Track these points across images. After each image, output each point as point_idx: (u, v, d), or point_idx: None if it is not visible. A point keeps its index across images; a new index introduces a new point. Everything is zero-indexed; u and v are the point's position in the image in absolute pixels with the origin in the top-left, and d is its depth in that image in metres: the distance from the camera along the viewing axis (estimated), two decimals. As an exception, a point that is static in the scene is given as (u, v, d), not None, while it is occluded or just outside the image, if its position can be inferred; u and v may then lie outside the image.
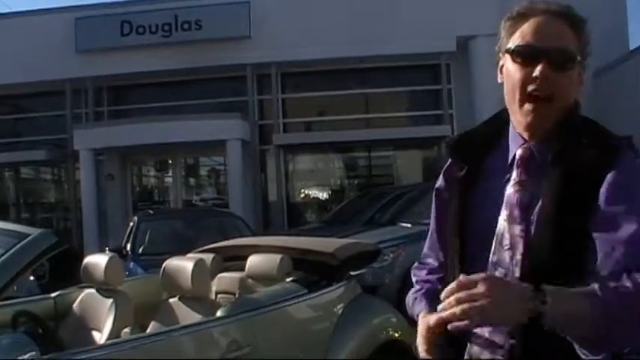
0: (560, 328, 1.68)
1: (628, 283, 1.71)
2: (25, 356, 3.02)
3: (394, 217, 11.88)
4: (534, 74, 1.92)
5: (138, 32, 18.78)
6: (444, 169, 2.26)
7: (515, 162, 2.03)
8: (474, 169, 2.10)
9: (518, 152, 2.03)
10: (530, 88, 1.94)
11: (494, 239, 1.99)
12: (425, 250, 2.35)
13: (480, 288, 1.64)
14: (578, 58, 1.95)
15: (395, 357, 5.16)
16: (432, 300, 2.10)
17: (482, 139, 2.14)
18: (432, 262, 2.31)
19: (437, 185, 2.27)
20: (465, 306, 1.63)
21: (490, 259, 1.99)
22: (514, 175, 2.02)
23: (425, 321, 1.99)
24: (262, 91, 19.70)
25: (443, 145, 17.86)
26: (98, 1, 20.58)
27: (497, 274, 1.94)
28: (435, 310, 1.87)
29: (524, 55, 1.95)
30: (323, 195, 21.03)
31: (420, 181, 18.40)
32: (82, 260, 5.07)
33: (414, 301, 2.25)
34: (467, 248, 2.05)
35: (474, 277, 1.68)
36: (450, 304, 1.66)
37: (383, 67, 19.12)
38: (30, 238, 3.49)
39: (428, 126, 19.05)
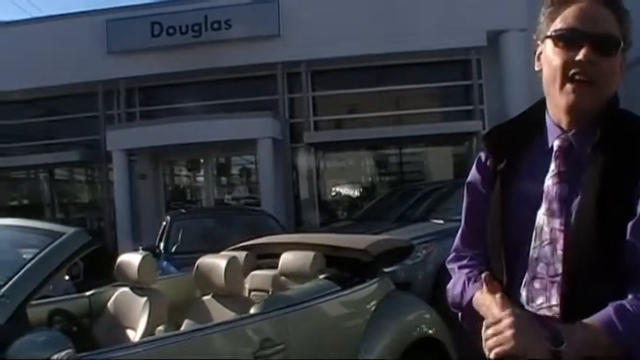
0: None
1: None
2: (62, 354, 3.04)
3: (426, 213, 11.86)
4: (577, 58, 1.88)
5: (168, 33, 18.87)
6: (475, 162, 2.23)
7: (554, 153, 2.00)
8: (512, 162, 2.07)
9: (556, 143, 2.00)
10: (572, 71, 1.90)
11: (534, 233, 1.97)
12: (457, 243, 2.32)
13: (503, 324, 1.79)
14: (622, 45, 1.91)
15: (429, 354, 5.13)
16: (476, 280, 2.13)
17: (519, 131, 2.10)
18: (467, 254, 2.27)
19: (469, 179, 2.24)
20: (492, 341, 1.79)
21: (531, 254, 1.96)
22: (552, 166, 1.98)
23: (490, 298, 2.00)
24: (292, 89, 19.69)
25: (474, 141, 17.94)
26: (128, 3, 20.72)
27: (539, 269, 1.94)
28: None
29: (568, 39, 1.91)
30: (354, 192, 21.00)
31: (451, 177, 18.31)
32: (115, 259, 5.12)
33: (464, 283, 2.19)
34: (508, 241, 2.03)
35: (499, 314, 1.82)
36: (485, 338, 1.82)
37: (413, 64, 19.01)
38: (64, 237, 3.52)
39: (459, 122, 18.93)
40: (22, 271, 3.34)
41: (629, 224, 1.80)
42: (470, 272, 2.20)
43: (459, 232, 2.32)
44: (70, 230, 3.59)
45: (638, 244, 1.78)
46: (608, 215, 1.81)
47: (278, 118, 18.81)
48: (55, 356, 3.02)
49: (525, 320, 1.79)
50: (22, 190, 24.31)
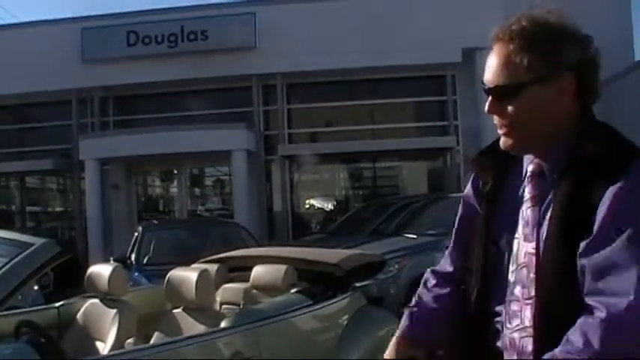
0: None
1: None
2: (27, 367, 3.00)
3: (399, 227, 11.86)
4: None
5: (144, 42, 18.83)
6: (471, 179, 2.26)
7: (527, 178, 2.03)
8: (497, 186, 2.10)
9: (530, 168, 2.03)
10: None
11: (512, 257, 2.00)
12: (447, 252, 2.35)
13: None
14: (528, 80, 1.91)
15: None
16: (415, 321, 2.26)
17: (504, 156, 2.09)
18: (447, 267, 2.32)
19: (464, 193, 2.28)
20: None
21: (509, 277, 2.00)
22: (527, 191, 2.01)
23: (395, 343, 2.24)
24: (268, 101, 19.69)
25: (448, 156, 18.03)
26: (104, 12, 20.61)
27: (516, 292, 1.97)
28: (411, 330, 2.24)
29: (484, 93, 2.01)
30: (328, 205, 21.00)
31: (426, 191, 18.38)
32: (86, 270, 5.07)
33: (404, 315, 2.30)
34: (488, 263, 2.06)
35: None
36: None
37: (389, 78, 19.11)
38: (33, 248, 3.47)
39: (433, 137, 19.01)
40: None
41: (582, 244, 1.80)
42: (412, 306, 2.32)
43: (451, 240, 2.34)
44: (39, 241, 3.54)
45: (584, 269, 1.79)
46: (573, 240, 1.82)
47: (253, 130, 18.81)
48: (20, 369, 2.98)
49: None
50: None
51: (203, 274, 4.63)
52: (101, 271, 4.92)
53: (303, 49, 17.72)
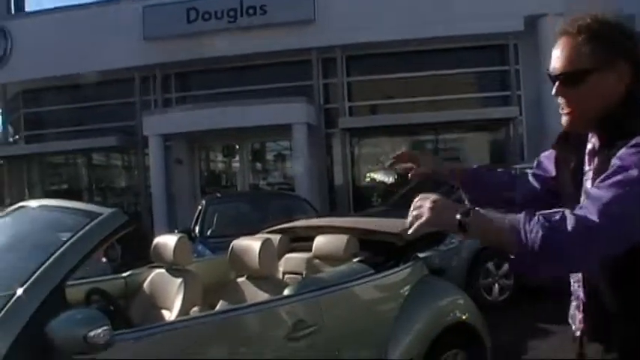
0: (479, 239, 2.11)
1: (568, 224, 1.93)
2: (98, 331, 3.09)
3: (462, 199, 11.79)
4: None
5: (204, 18, 18.97)
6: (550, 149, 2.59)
7: (587, 154, 2.31)
8: (579, 162, 2.34)
9: (589, 146, 2.31)
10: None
11: None
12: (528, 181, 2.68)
13: (428, 201, 2.10)
14: (592, 67, 2.18)
15: (462, 339, 5.10)
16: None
17: (577, 136, 2.36)
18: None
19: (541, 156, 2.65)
20: (415, 212, 2.12)
21: None
22: (586, 166, 2.30)
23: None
24: (327, 74, 19.66)
25: (511, 127, 17.80)
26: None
27: None
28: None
29: (550, 80, 2.29)
30: (389, 179, 20.86)
31: (487, 163, 18.19)
32: (152, 243, 5.17)
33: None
34: None
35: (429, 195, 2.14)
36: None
37: (449, 49, 18.87)
38: (101, 217, 3.57)
39: (495, 107, 18.80)
40: (60, 250, 3.39)
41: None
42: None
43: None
44: (107, 211, 3.64)
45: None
46: None
47: (313, 103, 18.82)
48: (92, 333, 3.07)
49: (444, 201, 2.11)
50: (61, 175, 24.64)
51: (266, 243, 4.69)
52: (166, 241, 5.01)
53: (362, 21, 17.63)
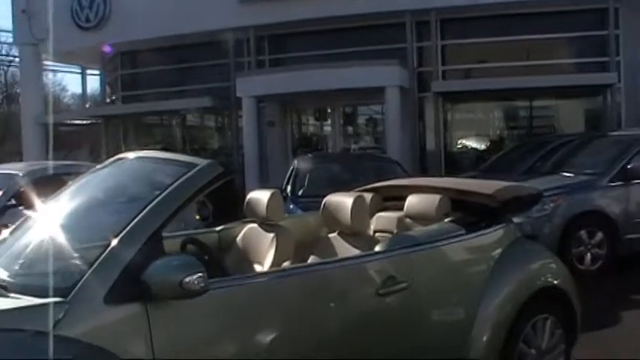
0: None
1: None
2: (194, 277, 3.17)
3: (555, 166, 11.59)
4: None
5: (297, -20, 18.97)
6: None
7: None
8: None
9: None
10: None
11: None
12: None
13: None
14: None
15: (552, 304, 5.03)
16: None
17: None
18: None
19: None
20: None
21: None
22: None
23: None
24: (421, 37, 19.46)
25: (608, 94, 17.29)
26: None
27: None
28: None
29: None
30: (481, 145, 20.67)
31: (583, 131, 17.79)
32: (243, 202, 5.24)
33: None
34: None
35: None
36: None
37: (546, 12, 18.40)
38: (198, 167, 3.65)
39: (592, 73, 18.28)
40: (158, 199, 3.48)
41: None
42: None
43: None
44: (203, 162, 3.71)
45: None
46: None
47: (406, 66, 18.66)
48: (188, 279, 3.15)
49: None
50: (156, 135, 25.20)
51: (359, 199, 4.72)
52: (260, 196, 5.08)
53: (458, -17, 17.39)
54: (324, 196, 5.15)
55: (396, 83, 17.92)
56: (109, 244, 3.29)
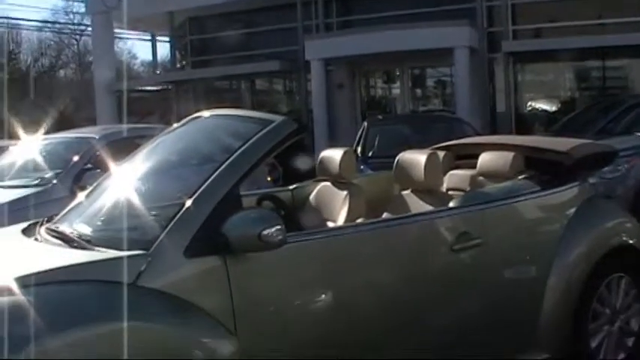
0: None
1: None
2: (272, 230, 3.22)
3: (630, 126, 11.34)
4: None
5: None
6: None
7: None
8: None
9: None
10: None
11: None
12: None
13: None
14: None
15: (627, 263, 4.96)
16: None
17: None
18: None
19: None
20: None
21: None
22: None
23: None
24: (492, -4, 19.17)
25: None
26: None
27: None
28: None
29: None
30: (552, 106, 20.33)
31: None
32: (312, 164, 5.30)
33: None
34: None
35: None
36: None
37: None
38: (273, 124, 3.69)
39: (670, 31, 17.73)
40: (236, 155, 3.54)
41: None
42: None
43: None
44: (278, 118, 3.76)
45: None
46: None
47: (475, 26, 18.41)
48: (266, 231, 3.21)
49: None
50: (225, 100, 25.40)
51: (432, 156, 4.72)
52: (332, 155, 5.12)
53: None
54: (395, 156, 5.17)
55: (466, 44, 17.73)
56: (188, 200, 3.37)
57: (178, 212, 3.34)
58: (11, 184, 8.12)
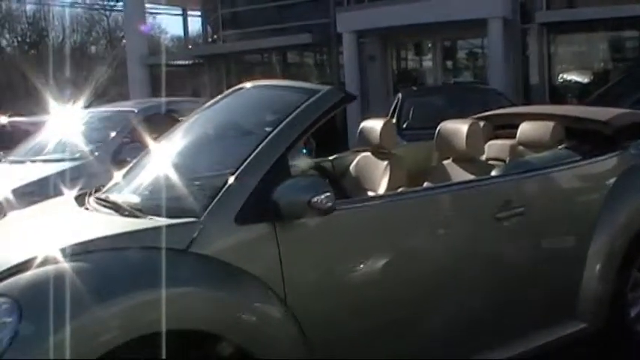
0: None
1: None
2: (321, 197, 3.28)
3: (667, 96, 11.25)
4: None
5: None
6: None
7: None
8: None
9: None
10: None
11: None
12: None
13: None
14: None
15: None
16: None
17: None
18: None
19: None
20: None
21: None
22: None
23: None
24: (525, -34, 18.92)
25: None
26: None
27: None
28: None
29: None
30: (587, 77, 20.09)
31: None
32: (345, 138, 5.34)
33: None
34: None
35: None
36: None
37: None
38: (320, 93, 3.74)
39: None
40: (284, 123, 3.60)
41: None
42: None
43: None
44: (324, 88, 3.81)
45: None
46: None
47: (509, -4, 18.23)
48: (316, 198, 3.26)
49: None
50: (257, 74, 25.44)
51: (474, 125, 4.74)
52: (373, 125, 5.16)
53: None
54: (430, 128, 5.18)
55: (499, 14, 17.52)
56: (238, 168, 3.43)
57: (229, 180, 3.41)
58: (52, 158, 8.27)
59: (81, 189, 4.84)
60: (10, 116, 18.14)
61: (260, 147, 3.49)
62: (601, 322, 4.55)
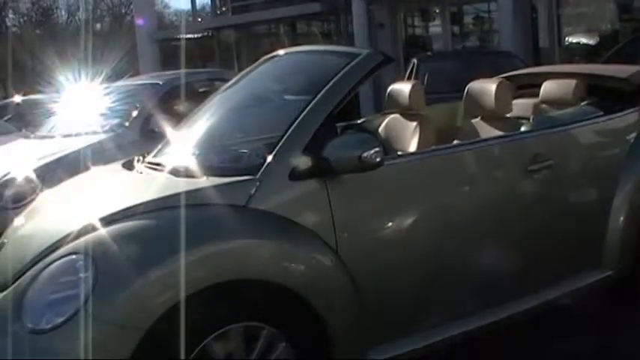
0: None
1: None
2: (371, 152, 3.47)
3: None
4: None
5: None
6: None
7: None
8: None
9: None
10: None
11: None
12: None
13: None
14: None
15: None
16: None
17: None
18: None
19: None
20: None
21: None
22: None
23: None
24: None
25: None
26: None
27: None
28: None
29: None
30: (595, 39, 20.09)
31: None
32: (359, 107, 5.48)
33: None
34: None
35: None
36: None
37: None
38: (361, 56, 3.94)
39: None
40: (330, 84, 3.79)
41: None
42: None
43: None
44: (364, 51, 4.01)
45: None
46: None
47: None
48: (366, 154, 3.47)
49: None
50: (266, 45, 25.51)
51: (502, 84, 4.91)
52: (401, 87, 5.34)
53: None
54: (445, 92, 5.30)
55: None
56: (289, 129, 3.64)
57: (281, 138, 3.62)
58: (82, 132, 8.42)
59: (115, 160, 5.01)
60: (24, 94, 18.34)
61: (309, 107, 3.70)
62: (626, 270, 4.78)
